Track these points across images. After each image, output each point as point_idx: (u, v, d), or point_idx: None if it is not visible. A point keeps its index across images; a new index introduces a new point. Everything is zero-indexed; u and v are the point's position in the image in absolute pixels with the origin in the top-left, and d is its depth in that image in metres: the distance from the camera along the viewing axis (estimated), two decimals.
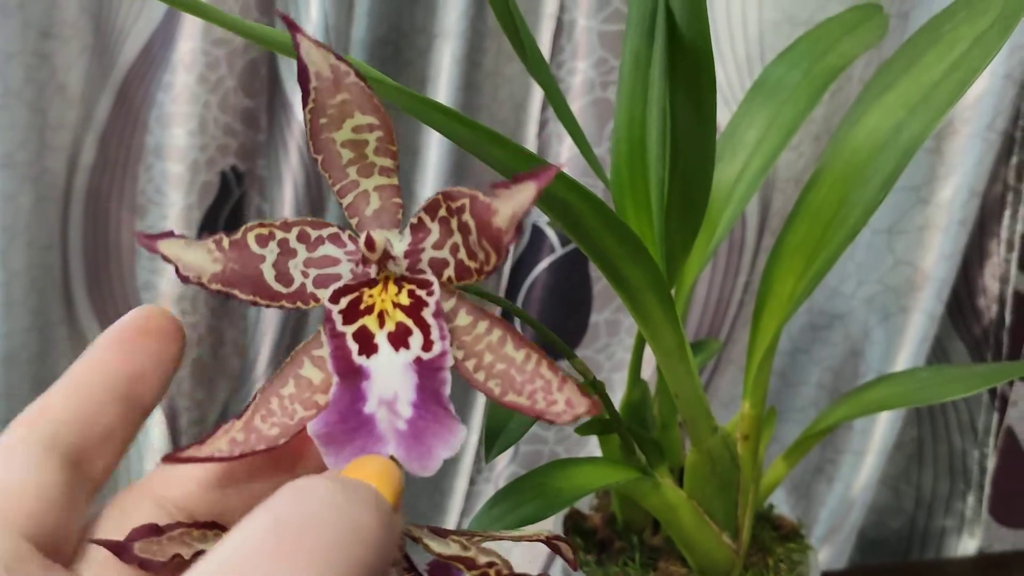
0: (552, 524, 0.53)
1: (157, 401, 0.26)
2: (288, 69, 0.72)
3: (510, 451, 0.77)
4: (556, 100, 0.39)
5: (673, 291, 0.42)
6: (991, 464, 0.71)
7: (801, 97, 0.46)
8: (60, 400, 0.24)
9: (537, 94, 0.75)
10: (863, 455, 0.70)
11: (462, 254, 0.24)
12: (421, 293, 0.23)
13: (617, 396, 0.47)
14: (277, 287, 0.24)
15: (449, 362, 0.23)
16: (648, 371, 0.64)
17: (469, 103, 0.72)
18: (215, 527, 0.24)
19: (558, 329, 0.73)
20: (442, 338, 0.23)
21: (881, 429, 0.69)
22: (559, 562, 0.64)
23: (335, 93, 0.23)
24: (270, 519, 0.18)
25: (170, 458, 0.24)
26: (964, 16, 0.39)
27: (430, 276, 0.24)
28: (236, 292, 0.24)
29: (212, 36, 0.70)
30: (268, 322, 0.75)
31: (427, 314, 0.23)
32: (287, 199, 0.73)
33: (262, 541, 0.18)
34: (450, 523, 0.80)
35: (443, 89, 0.71)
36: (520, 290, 0.73)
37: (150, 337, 0.25)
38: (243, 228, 0.24)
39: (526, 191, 0.22)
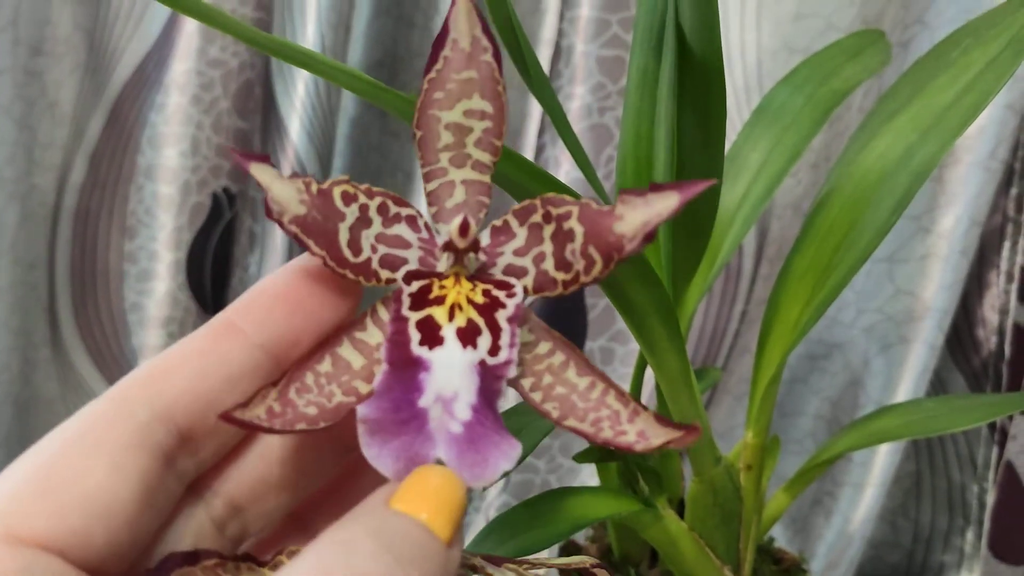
0: (546, 556, 0.52)
1: None
2: (283, 90, 0.71)
3: (501, 480, 0.76)
4: (558, 120, 0.38)
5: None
6: (990, 499, 0.69)
7: (805, 121, 0.45)
8: (180, 367, 0.21)
9: (533, 120, 0.74)
10: (862, 488, 0.69)
11: (547, 264, 0.22)
12: (499, 294, 0.22)
13: None
14: (346, 253, 0.22)
15: (511, 372, 0.21)
16: (644, 398, 0.63)
17: None
18: (248, 559, 0.22)
19: None
20: (511, 345, 0.21)
21: (881, 461, 0.68)
22: None
23: (464, 68, 0.22)
24: None
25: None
26: (972, 42, 0.38)
27: (511, 279, 0.23)
28: (311, 243, 0.22)
29: (207, 57, 0.70)
30: None
31: (502, 317, 0.22)
32: None
33: None
34: None
35: None
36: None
37: (318, 292, 0.23)
38: (330, 181, 0.23)
39: (666, 200, 0.20)
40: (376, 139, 0.77)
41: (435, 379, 0.21)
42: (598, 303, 0.73)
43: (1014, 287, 0.67)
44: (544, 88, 0.37)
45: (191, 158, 0.71)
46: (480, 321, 0.22)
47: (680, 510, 0.44)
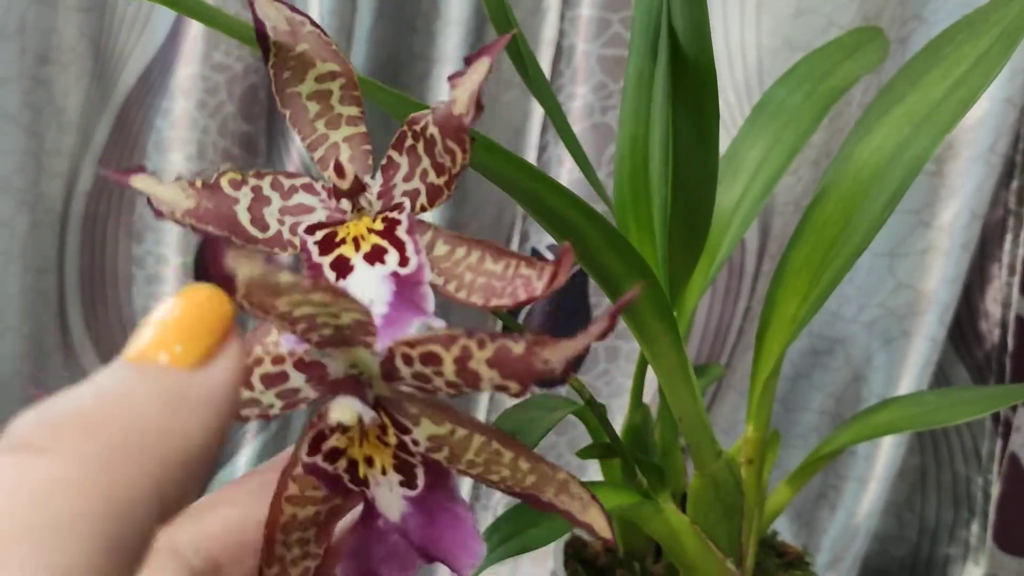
0: (552, 551, 0.52)
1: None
2: None
3: None
4: (558, 120, 0.39)
5: (675, 313, 0.41)
6: (995, 491, 0.70)
7: (803, 119, 0.46)
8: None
9: (535, 120, 0.75)
10: (866, 482, 0.69)
11: (431, 176, 0.24)
12: (392, 214, 0.24)
13: (617, 422, 0.47)
14: (253, 231, 0.24)
15: (428, 276, 0.23)
16: (648, 395, 0.63)
17: None
18: None
19: None
20: (417, 252, 0.23)
21: (885, 455, 0.68)
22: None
23: (294, 44, 0.23)
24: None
25: None
26: (965, 37, 0.39)
27: (401, 199, 0.24)
28: (210, 229, 0.23)
29: (212, 62, 0.71)
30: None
31: (401, 231, 0.23)
32: None
33: None
34: None
35: None
36: (518, 315, 0.73)
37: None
38: (216, 173, 0.24)
39: (481, 66, 0.22)
40: (379, 141, 0.78)
41: None
42: (601, 302, 0.73)
43: (1016, 280, 0.67)
44: (543, 89, 0.38)
45: (197, 162, 0.72)
46: (384, 242, 0.23)
47: (683, 505, 0.45)
